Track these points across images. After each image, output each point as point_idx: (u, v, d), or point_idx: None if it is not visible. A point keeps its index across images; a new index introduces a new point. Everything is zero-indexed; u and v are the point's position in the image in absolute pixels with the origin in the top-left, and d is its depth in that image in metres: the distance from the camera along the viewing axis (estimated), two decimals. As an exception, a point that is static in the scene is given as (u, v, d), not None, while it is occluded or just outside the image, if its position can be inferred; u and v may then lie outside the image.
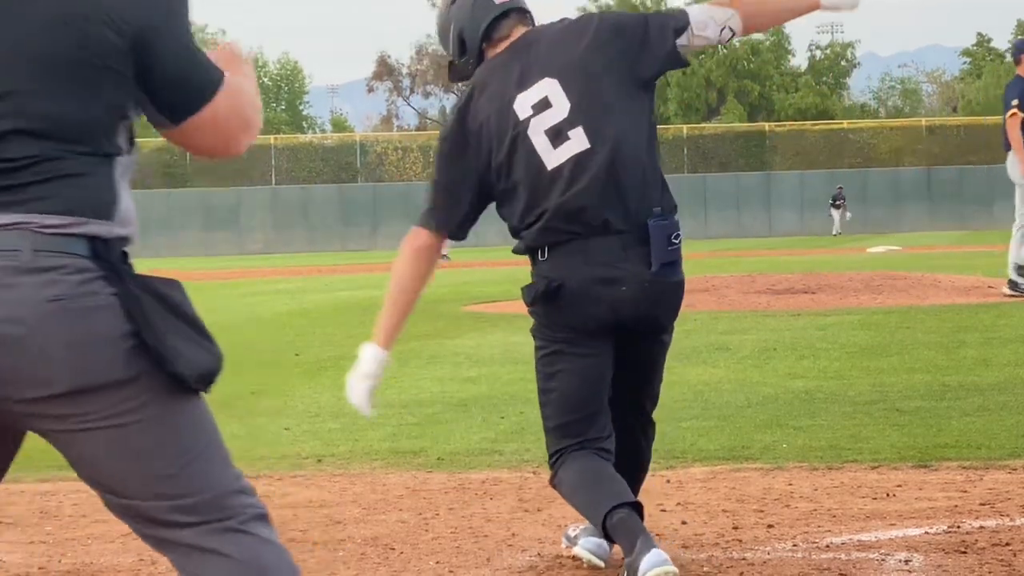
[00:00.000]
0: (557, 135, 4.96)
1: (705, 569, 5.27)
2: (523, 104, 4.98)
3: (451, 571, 5.40)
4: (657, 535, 5.53)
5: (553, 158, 4.96)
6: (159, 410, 2.95)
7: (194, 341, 2.95)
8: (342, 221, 64.09)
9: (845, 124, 76.83)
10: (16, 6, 2.89)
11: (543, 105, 4.98)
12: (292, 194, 66.09)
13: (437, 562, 5.52)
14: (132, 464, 2.97)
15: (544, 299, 5.02)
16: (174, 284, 2.98)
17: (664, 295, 5.05)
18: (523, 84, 5.00)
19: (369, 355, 5.14)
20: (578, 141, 4.96)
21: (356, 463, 7.74)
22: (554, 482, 5.22)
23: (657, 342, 5.19)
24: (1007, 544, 5.48)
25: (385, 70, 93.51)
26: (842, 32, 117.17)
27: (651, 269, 4.97)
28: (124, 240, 2.98)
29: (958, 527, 5.77)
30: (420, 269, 5.18)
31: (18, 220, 2.86)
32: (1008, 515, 5.98)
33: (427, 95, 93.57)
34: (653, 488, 6.72)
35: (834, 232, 60.46)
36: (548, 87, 4.99)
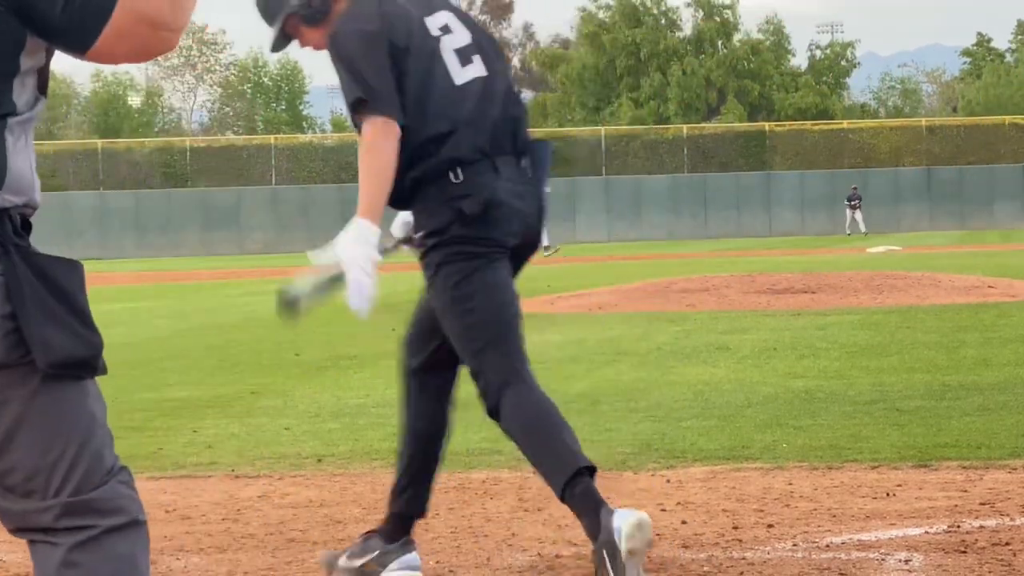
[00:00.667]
0: (463, 56, 5.20)
1: (705, 569, 5.27)
2: (432, 24, 5.20)
3: (451, 571, 5.40)
4: (657, 535, 5.54)
5: (460, 76, 5.17)
6: (33, 399, 2.86)
7: (66, 327, 2.83)
8: (342, 221, 62.52)
9: (845, 124, 76.80)
10: None
11: (447, 29, 5.21)
12: (292, 194, 66.05)
13: (437, 562, 5.52)
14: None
15: (476, 215, 5.05)
16: (68, 266, 2.87)
17: (544, 213, 5.27)
18: (427, 9, 5.22)
19: (371, 228, 5.23)
20: (479, 66, 5.21)
21: (356, 463, 7.74)
22: (495, 414, 5.10)
23: (526, 262, 5.33)
24: (1007, 544, 5.48)
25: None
26: (842, 32, 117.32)
27: (543, 187, 5.23)
28: (20, 208, 2.87)
29: (958, 527, 5.77)
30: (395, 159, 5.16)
31: None
32: (1008, 515, 5.98)
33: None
34: (653, 488, 6.73)
35: (848, 231, 60.36)
36: (447, 17, 5.24)
